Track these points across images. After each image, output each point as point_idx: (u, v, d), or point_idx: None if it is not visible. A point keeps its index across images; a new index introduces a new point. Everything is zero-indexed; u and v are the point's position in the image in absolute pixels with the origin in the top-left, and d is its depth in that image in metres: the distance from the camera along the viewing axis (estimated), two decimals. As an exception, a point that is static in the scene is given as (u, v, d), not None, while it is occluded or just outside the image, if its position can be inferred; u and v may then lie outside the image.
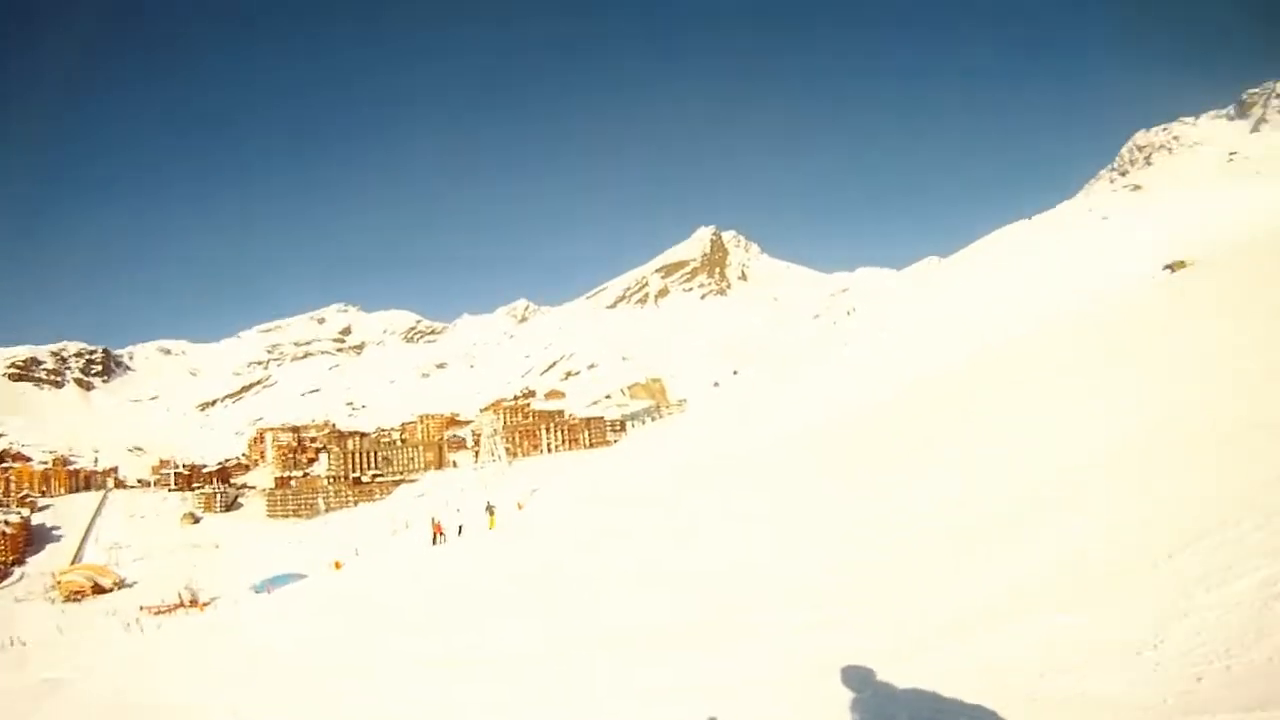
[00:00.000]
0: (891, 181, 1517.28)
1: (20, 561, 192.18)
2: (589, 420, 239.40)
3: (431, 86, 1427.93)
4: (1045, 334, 31.96)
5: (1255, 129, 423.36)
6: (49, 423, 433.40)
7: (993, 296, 54.21)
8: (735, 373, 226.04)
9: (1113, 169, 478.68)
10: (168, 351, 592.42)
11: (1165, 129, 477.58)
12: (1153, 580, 7.34)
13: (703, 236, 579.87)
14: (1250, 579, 6.41)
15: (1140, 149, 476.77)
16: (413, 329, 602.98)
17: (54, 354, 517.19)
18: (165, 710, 14.49)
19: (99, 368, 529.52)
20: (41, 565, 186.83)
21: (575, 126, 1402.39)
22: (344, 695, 12.74)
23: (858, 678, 7.48)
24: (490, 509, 48.17)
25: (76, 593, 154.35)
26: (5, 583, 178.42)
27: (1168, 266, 45.12)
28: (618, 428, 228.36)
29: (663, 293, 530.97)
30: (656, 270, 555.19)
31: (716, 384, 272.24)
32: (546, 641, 13.28)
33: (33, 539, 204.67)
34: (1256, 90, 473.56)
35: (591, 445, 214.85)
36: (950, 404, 25.18)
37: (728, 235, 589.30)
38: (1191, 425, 12.45)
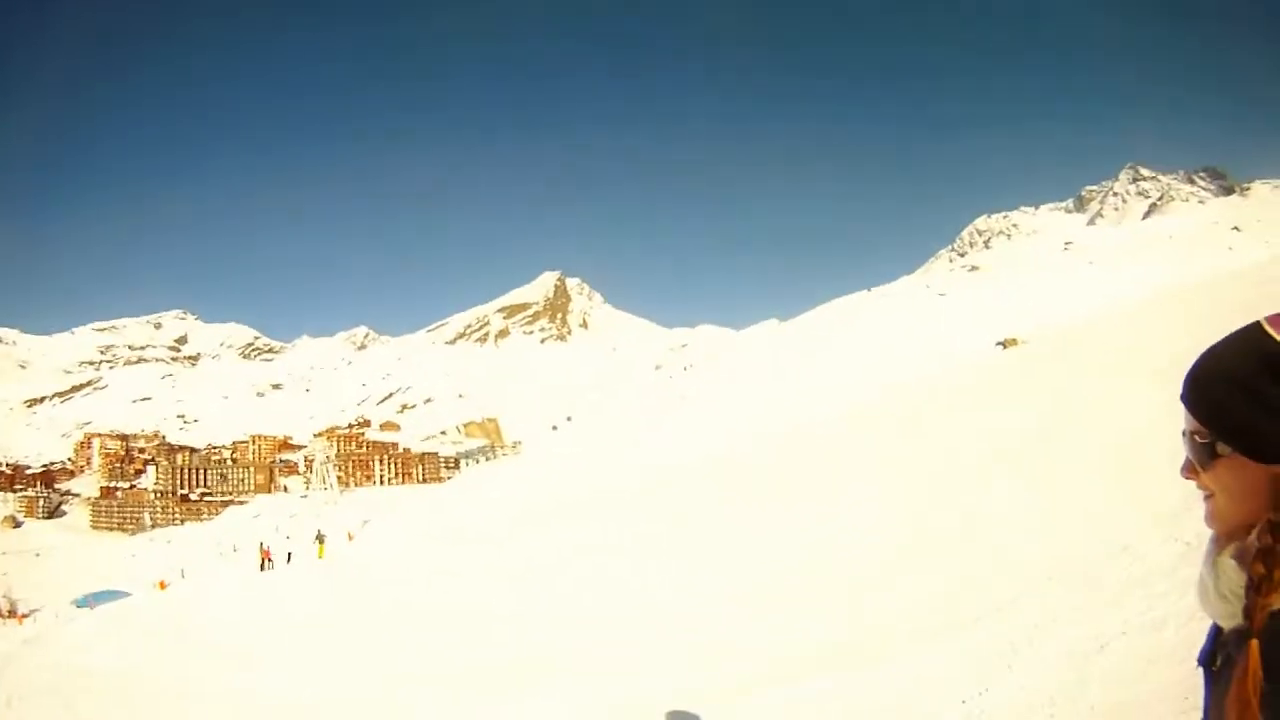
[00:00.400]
0: (737, 244, 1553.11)
1: None
2: (424, 455, 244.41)
3: (292, 94, 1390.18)
4: (875, 404, 34.25)
5: (1091, 222, 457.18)
6: None
7: (829, 362, 58.09)
8: (568, 419, 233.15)
9: (952, 249, 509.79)
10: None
11: (1006, 216, 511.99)
12: (980, 633, 7.98)
13: (547, 281, 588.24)
14: (1072, 632, 6.92)
15: (980, 233, 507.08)
16: (251, 345, 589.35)
17: None
18: None
19: None
20: None
21: (429, 158, 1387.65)
22: None
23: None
24: (320, 538, 48.60)
25: None
26: None
27: (1000, 343, 47.67)
28: (452, 464, 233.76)
29: (503, 333, 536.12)
30: (499, 310, 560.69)
31: (555, 428, 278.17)
32: (373, 680, 13.84)
33: None
34: (1095, 187, 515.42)
35: (425, 480, 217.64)
36: (774, 469, 27.23)
37: (572, 282, 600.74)
38: (1007, 498, 13.73)
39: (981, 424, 21.00)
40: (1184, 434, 1.34)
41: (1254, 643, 1.13)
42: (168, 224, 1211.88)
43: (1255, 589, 1.17)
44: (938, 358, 48.22)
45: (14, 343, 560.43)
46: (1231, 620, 1.26)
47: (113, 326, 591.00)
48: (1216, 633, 1.33)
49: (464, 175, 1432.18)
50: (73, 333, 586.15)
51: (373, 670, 14.62)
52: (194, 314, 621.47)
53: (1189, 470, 1.36)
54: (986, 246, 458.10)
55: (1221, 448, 1.26)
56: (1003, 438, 18.18)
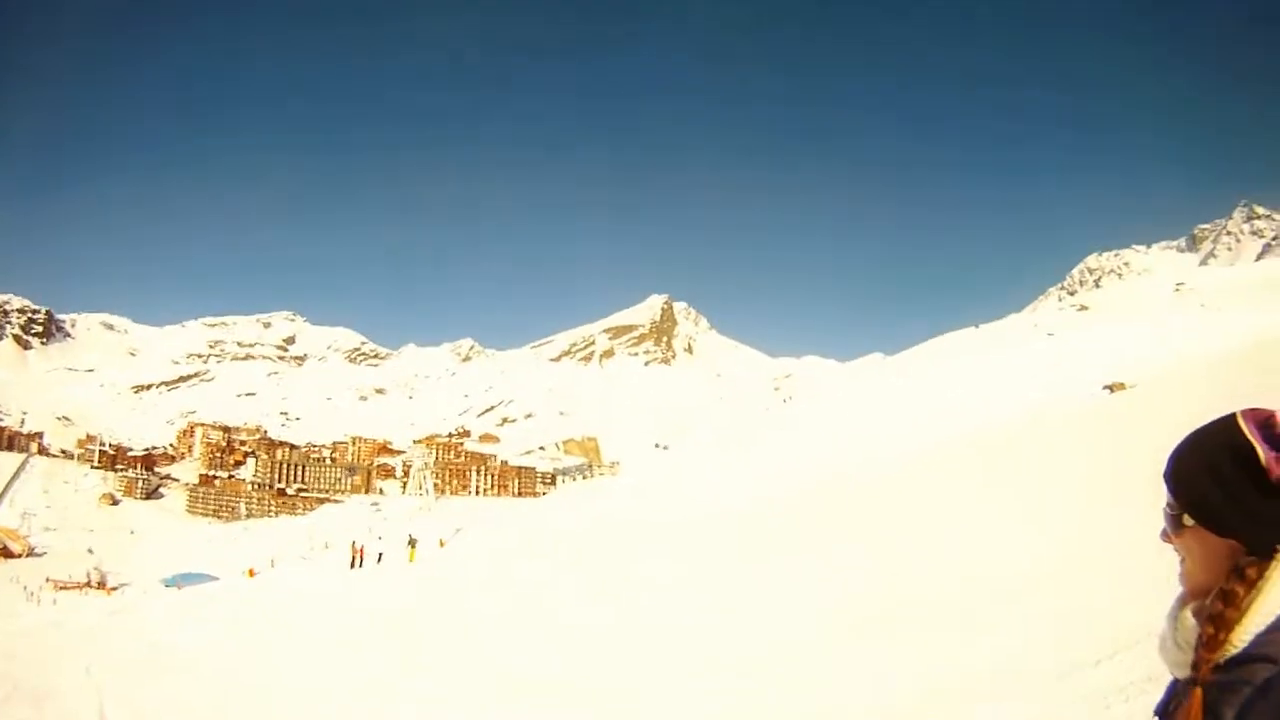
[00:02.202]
0: (847, 277, 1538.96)
1: None
2: (520, 469, 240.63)
3: (418, 114, 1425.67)
4: (978, 443, 32.89)
5: (1204, 263, 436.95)
6: None
7: (934, 401, 55.44)
8: (665, 448, 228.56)
9: (1061, 287, 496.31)
10: (111, 326, 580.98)
11: (1117, 254, 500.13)
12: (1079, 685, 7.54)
13: (654, 304, 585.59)
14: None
15: (1091, 271, 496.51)
16: (357, 349, 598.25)
17: None
18: (55, 693, 13.98)
19: (40, 328, 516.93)
20: None
21: (545, 175, 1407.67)
22: (241, 710, 12.84)
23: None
24: (412, 542, 48.53)
25: None
26: None
27: (1107, 387, 45.94)
28: (548, 480, 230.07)
29: (608, 354, 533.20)
30: (605, 330, 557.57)
31: (657, 445, 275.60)
32: (452, 686, 13.53)
33: None
34: (1208, 226, 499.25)
35: (520, 494, 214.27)
36: (880, 499, 26.06)
37: (679, 306, 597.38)
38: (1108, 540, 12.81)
39: (1081, 467, 20.25)
40: (1164, 505, 1.49)
41: (1197, 691, 1.30)
42: (282, 226, 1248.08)
43: (1204, 645, 1.33)
44: (1042, 398, 46.91)
45: (126, 331, 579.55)
46: (1182, 670, 1.41)
47: (223, 322, 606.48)
48: (1174, 687, 1.49)
49: (576, 195, 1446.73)
50: (183, 325, 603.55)
51: (450, 672, 14.40)
52: (303, 316, 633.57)
53: (1164, 536, 1.52)
54: (1097, 285, 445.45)
55: (1186, 519, 1.41)
56: (1102, 481, 17.22)
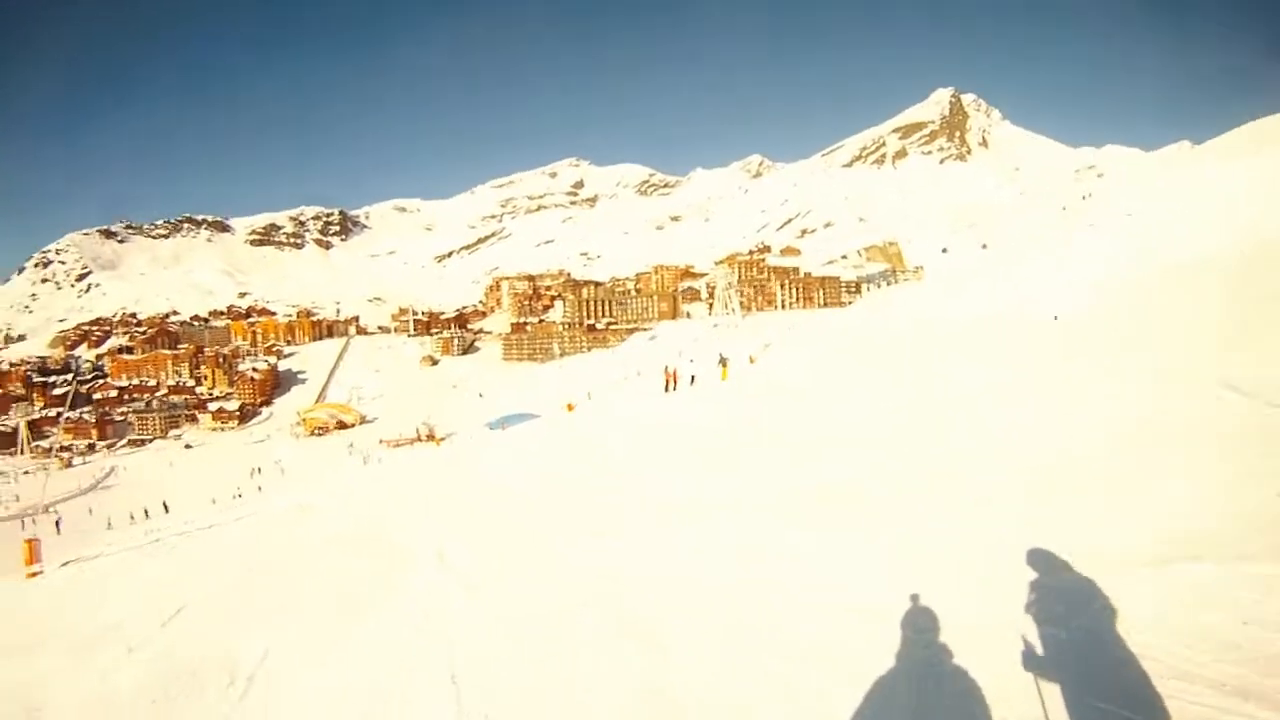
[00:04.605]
0: (1145, 55, 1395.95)
1: (268, 402, 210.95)
2: (824, 279, 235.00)
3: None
4: None
5: None
6: (291, 280, 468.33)
7: (1255, 196, 44.63)
8: (984, 246, 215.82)
9: None
10: (403, 209, 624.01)
11: None
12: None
13: (941, 99, 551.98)
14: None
15: None
16: (645, 182, 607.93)
17: (292, 219, 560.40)
18: (394, 535, 13.99)
19: (336, 228, 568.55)
20: (288, 405, 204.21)
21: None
22: (572, 532, 12.05)
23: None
24: (723, 361, 47.78)
25: (320, 428, 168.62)
26: (255, 421, 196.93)
27: None
28: (853, 289, 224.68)
29: (900, 154, 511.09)
30: (894, 130, 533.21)
31: (945, 250, 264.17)
32: (772, 492, 12.40)
33: (279, 382, 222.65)
34: None
35: (826, 304, 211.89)
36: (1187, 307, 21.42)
37: (967, 99, 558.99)
38: None
39: None
40: None
41: None
42: (552, 74, 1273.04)
43: None
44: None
45: (418, 210, 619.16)
46: None
47: (510, 181, 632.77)
48: None
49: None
50: (472, 193, 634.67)
51: (758, 482, 13.14)
52: (587, 159, 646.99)
53: None
54: None
55: None
56: None
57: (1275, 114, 73.77)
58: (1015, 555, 7.49)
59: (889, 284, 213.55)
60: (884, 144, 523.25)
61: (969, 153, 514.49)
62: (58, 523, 72.79)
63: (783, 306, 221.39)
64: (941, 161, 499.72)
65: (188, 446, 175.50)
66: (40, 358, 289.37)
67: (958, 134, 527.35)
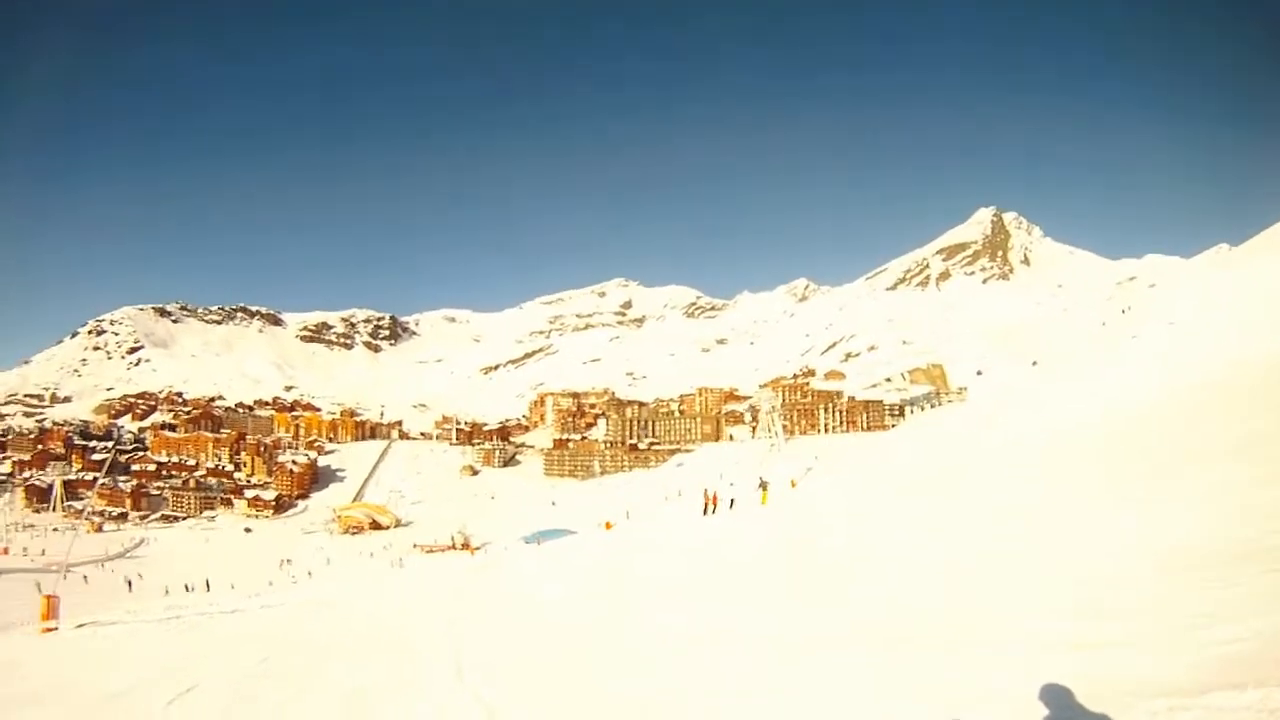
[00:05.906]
0: (1180, 165, 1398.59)
1: (305, 496, 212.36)
2: (868, 403, 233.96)
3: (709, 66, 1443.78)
4: None
5: None
6: (338, 380, 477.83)
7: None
8: (1034, 364, 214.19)
9: None
10: (452, 319, 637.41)
11: None
12: None
13: (983, 218, 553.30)
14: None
15: None
16: (693, 304, 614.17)
17: (344, 319, 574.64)
18: (416, 644, 14.30)
19: (386, 333, 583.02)
20: (324, 501, 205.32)
21: (850, 104, 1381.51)
22: (602, 660, 11.73)
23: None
24: (764, 484, 47.88)
25: (354, 527, 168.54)
26: (291, 513, 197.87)
27: None
28: (896, 412, 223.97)
29: (944, 275, 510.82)
30: (937, 252, 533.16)
31: (979, 372, 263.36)
32: (800, 631, 11.57)
33: (318, 478, 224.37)
34: None
35: (869, 428, 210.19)
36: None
37: (1009, 216, 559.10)
38: None
39: None
40: None
41: None
42: (602, 198, 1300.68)
43: None
44: None
45: (468, 321, 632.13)
46: None
47: (559, 299, 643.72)
48: None
49: (888, 118, 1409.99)
50: (521, 308, 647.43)
51: (795, 614, 12.51)
52: (636, 280, 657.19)
53: None
54: None
55: None
56: None
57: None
58: (1053, 692, 6.87)
59: (933, 406, 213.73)
60: (927, 265, 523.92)
61: (1011, 271, 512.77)
62: (85, 576, 74.52)
63: (826, 430, 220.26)
64: (984, 281, 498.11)
65: (247, 530, 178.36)
66: (83, 421, 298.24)
67: (1000, 253, 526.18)
